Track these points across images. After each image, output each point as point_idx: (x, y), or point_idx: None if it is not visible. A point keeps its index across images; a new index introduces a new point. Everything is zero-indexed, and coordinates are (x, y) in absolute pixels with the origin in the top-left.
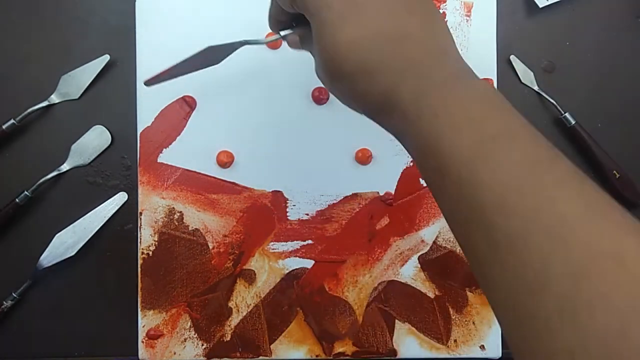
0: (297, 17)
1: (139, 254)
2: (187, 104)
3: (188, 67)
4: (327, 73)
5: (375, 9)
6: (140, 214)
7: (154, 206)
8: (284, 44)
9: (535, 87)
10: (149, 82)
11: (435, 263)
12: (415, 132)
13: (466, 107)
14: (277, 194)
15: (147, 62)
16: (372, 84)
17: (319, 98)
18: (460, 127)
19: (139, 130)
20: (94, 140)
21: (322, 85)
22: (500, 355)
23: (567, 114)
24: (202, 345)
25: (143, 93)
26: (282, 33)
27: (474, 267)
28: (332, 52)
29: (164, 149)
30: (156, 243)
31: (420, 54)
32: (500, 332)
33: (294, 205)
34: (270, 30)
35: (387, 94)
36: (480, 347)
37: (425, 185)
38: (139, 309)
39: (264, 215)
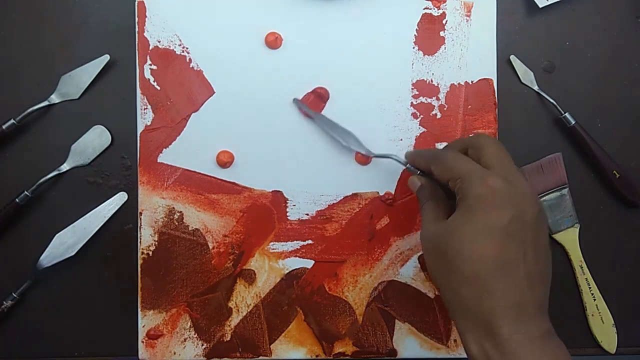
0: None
1: (139, 254)
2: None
3: (327, 126)
4: (443, 258)
5: (518, 243)
6: (140, 214)
7: (154, 206)
8: (284, 43)
9: (535, 87)
10: (296, 101)
11: None
12: None
13: None
14: (277, 194)
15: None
16: (480, 300)
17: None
18: None
19: (139, 130)
20: (94, 140)
21: (322, 86)
22: None
23: (567, 114)
24: (202, 345)
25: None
26: (419, 172)
27: None
28: (464, 250)
29: (164, 149)
30: (156, 243)
31: (532, 299)
32: None
33: (294, 205)
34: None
35: (488, 316)
36: None
37: None
38: (139, 309)
39: (264, 215)
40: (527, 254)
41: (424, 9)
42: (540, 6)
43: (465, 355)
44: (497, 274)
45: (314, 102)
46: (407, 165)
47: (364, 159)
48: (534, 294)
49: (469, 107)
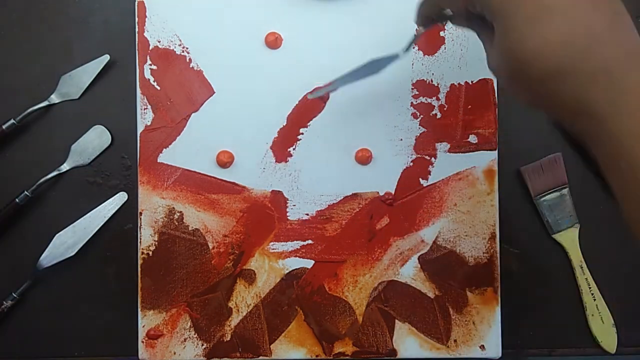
0: (445, 16)
1: (139, 254)
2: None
3: (349, 79)
4: (510, 75)
5: (563, 12)
6: (140, 214)
7: (154, 206)
8: (284, 43)
9: None
10: (312, 94)
11: (435, 263)
12: (607, 134)
13: None
14: (277, 194)
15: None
16: (562, 88)
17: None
18: None
19: (139, 130)
20: (94, 140)
21: (322, 86)
22: (500, 355)
23: None
24: (202, 345)
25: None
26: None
27: None
28: (519, 56)
29: (164, 149)
30: (156, 243)
31: (612, 56)
32: (500, 332)
33: (294, 205)
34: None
35: (578, 98)
36: (480, 347)
37: (425, 185)
38: (139, 309)
39: (264, 215)
40: (582, 17)
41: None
42: None
43: (465, 355)
44: (562, 53)
45: (314, 102)
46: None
47: (364, 159)
48: (621, 45)
49: (469, 107)
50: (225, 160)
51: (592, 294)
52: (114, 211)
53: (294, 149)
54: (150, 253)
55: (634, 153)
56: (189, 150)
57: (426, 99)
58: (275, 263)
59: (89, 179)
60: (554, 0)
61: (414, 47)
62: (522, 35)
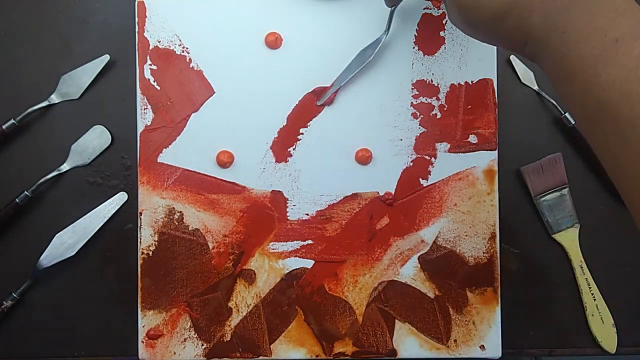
0: None
1: (139, 254)
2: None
3: (347, 75)
4: (466, 21)
5: None
6: (140, 214)
7: (154, 206)
8: (284, 43)
9: (535, 87)
10: (320, 101)
11: (435, 263)
12: (546, 51)
13: (591, 19)
14: (277, 194)
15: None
16: (509, 24)
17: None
18: (586, 37)
19: (139, 130)
20: (94, 140)
21: (323, 85)
22: (500, 355)
23: (567, 114)
24: (202, 345)
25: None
26: None
27: (604, 159)
28: (471, 5)
29: (164, 149)
30: (156, 243)
31: None
32: (500, 332)
33: (294, 205)
34: None
35: (520, 29)
36: (480, 347)
37: (425, 185)
38: (139, 309)
39: (264, 215)
40: None
41: (424, 9)
42: None
43: (465, 355)
44: None
45: (314, 102)
46: None
47: (364, 159)
48: None
49: (469, 107)
50: (225, 160)
51: (592, 294)
52: (114, 211)
53: (294, 149)
54: (150, 253)
55: (568, 61)
56: (189, 150)
57: (426, 99)
58: (275, 263)
59: (89, 179)
60: None
61: (388, 31)
62: None
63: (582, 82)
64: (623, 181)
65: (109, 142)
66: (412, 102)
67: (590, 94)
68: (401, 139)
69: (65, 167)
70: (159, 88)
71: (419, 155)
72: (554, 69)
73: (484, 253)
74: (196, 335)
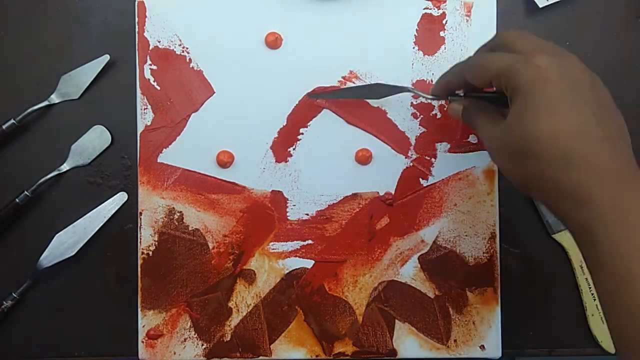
0: (468, 89)
1: (139, 254)
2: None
3: (351, 94)
4: (516, 153)
5: (586, 107)
6: (140, 214)
7: (154, 206)
8: (284, 43)
9: None
10: (311, 95)
11: (435, 263)
12: (607, 235)
13: None
14: (277, 194)
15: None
16: (568, 172)
17: None
18: None
19: (139, 130)
20: (94, 140)
21: (323, 85)
22: (500, 355)
23: None
24: (202, 345)
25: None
26: (451, 98)
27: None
28: (535, 134)
29: (164, 149)
30: (156, 243)
31: (620, 158)
32: (500, 332)
33: (294, 205)
34: None
35: (580, 187)
36: (480, 347)
37: (425, 185)
38: (139, 309)
39: (264, 215)
40: (598, 117)
41: (424, 9)
42: (540, 6)
43: (465, 355)
44: (576, 142)
45: (314, 102)
46: (447, 97)
47: (364, 159)
48: (620, 152)
49: None
50: (225, 160)
51: (592, 294)
52: (114, 211)
53: (294, 149)
54: (150, 253)
55: (632, 268)
56: (189, 150)
57: (426, 99)
58: (275, 263)
59: (89, 179)
60: (581, 95)
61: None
62: (541, 114)
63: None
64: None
65: (109, 142)
66: (412, 102)
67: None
68: (401, 139)
69: (65, 167)
70: (159, 88)
71: (419, 155)
72: (608, 258)
73: (484, 253)
74: (196, 335)
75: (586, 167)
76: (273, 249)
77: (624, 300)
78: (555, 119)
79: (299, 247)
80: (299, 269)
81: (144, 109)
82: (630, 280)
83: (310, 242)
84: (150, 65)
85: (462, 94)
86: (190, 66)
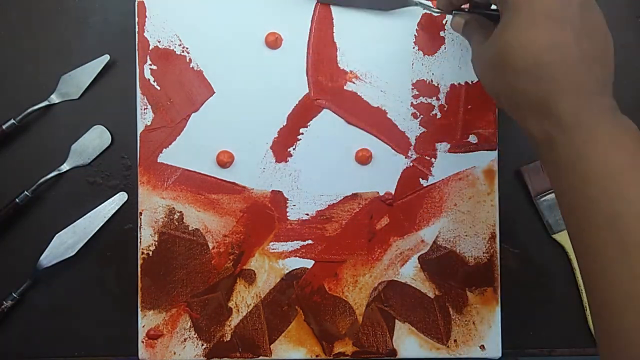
0: (474, 5)
1: (139, 254)
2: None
3: (360, 2)
4: (495, 63)
5: (568, 26)
6: (140, 214)
7: (154, 206)
8: (284, 43)
9: None
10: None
11: (435, 263)
12: (565, 143)
13: (619, 139)
14: (277, 194)
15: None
16: (537, 85)
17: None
18: (615, 151)
19: (139, 130)
20: (94, 140)
21: (323, 85)
22: (500, 355)
23: None
24: (202, 345)
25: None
26: (455, 12)
27: (590, 269)
28: (513, 46)
29: (164, 149)
30: (156, 243)
31: (590, 78)
32: (500, 332)
33: (294, 205)
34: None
35: (546, 98)
36: (480, 347)
37: (425, 185)
38: (139, 309)
39: (264, 215)
40: (579, 37)
41: (424, 9)
42: None
43: (465, 355)
44: (551, 57)
45: (314, 102)
46: (452, 11)
47: (364, 159)
48: (593, 73)
49: (469, 107)
50: (225, 160)
51: None
52: (114, 211)
53: (294, 149)
54: (150, 253)
55: (588, 170)
56: (189, 150)
57: (426, 99)
58: (275, 263)
59: (89, 179)
60: (567, 14)
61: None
62: (523, 29)
63: (599, 192)
64: (608, 294)
65: (109, 142)
66: (412, 102)
67: (604, 210)
68: (401, 139)
69: (65, 167)
70: (159, 88)
71: (419, 155)
72: (566, 165)
73: (484, 253)
74: (196, 335)
75: (555, 83)
76: (273, 249)
77: (578, 197)
78: (534, 32)
79: (299, 247)
80: (299, 269)
81: (144, 109)
82: (585, 178)
83: (310, 242)
84: (150, 65)
85: (467, 10)
86: (190, 66)
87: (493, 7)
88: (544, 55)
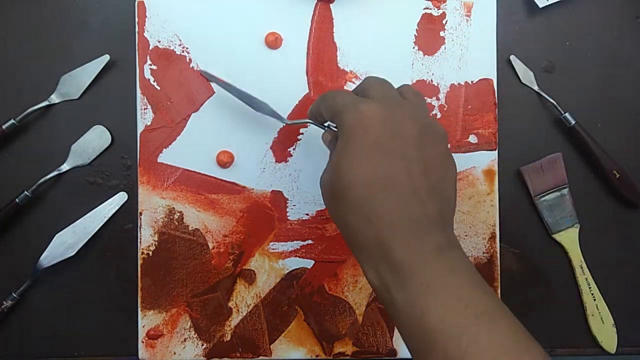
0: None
1: (139, 254)
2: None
3: (237, 94)
4: (330, 191)
5: (400, 160)
6: (140, 214)
7: (154, 206)
8: (284, 43)
9: (535, 87)
10: (204, 73)
11: None
12: (402, 290)
13: (456, 284)
14: (277, 194)
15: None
16: (367, 222)
17: None
18: (448, 302)
19: (139, 130)
20: (94, 140)
21: (322, 85)
22: None
23: (567, 114)
24: (202, 345)
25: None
26: (327, 127)
27: None
28: (343, 179)
29: (164, 149)
30: (156, 243)
31: (422, 214)
32: None
33: (294, 205)
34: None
35: (378, 237)
36: None
37: None
38: (139, 309)
39: (264, 215)
40: (411, 170)
41: (424, 9)
42: (540, 6)
43: None
44: (381, 193)
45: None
46: (326, 124)
47: None
48: (425, 209)
49: (469, 107)
50: (225, 160)
51: (592, 294)
52: (114, 211)
53: (294, 149)
54: (150, 253)
55: (427, 322)
56: (189, 150)
57: (426, 99)
58: (275, 263)
59: (89, 179)
60: (399, 147)
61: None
62: (351, 162)
63: (442, 351)
64: None
65: (109, 142)
66: None
67: (441, 356)
68: None
69: (65, 167)
70: (159, 88)
71: None
72: (407, 315)
73: (484, 253)
74: (196, 335)
75: (384, 220)
76: (273, 249)
77: (418, 343)
78: (364, 168)
79: (299, 247)
80: (299, 269)
81: (144, 109)
82: (422, 328)
83: (310, 242)
84: (150, 65)
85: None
86: (190, 66)
87: None
88: (372, 189)
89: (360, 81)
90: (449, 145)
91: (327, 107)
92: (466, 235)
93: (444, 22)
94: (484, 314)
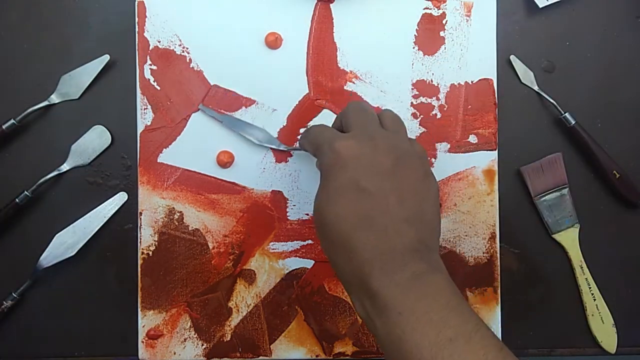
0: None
1: (139, 254)
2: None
3: (236, 126)
4: (317, 227)
5: (376, 194)
6: (140, 214)
7: (154, 206)
8: (284, 43)
9: (535, 87)
10: (203, 106)
11: None
12: (381, 319)
13: (427, 309)
14: (277, 194)
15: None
16: (348, 258)
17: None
18: (421, 329)
19: (139, 130)
20: (94, 140)
21: (322, 85)
22: None
23: (567, 114)
24: (202, 345)
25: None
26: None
27: None
28: (324, 217)
29: (164, 149)
30: (156, 243)
31: (400, 243)
32: (500, 332)
33: (294, 205)
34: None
35: (359, 274)
36: None
37: None
38: (139, 309)
39: (264, 215)
40: (387, 203)
41: (424, 9)
42: (540, 6)
43: None
44: (358, 229)
45: (313, 102)
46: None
47: None
48: (402, 239)
49: (469, 107)
50: (225, 160)
51: (592, 294)
52: (114, 211)
53: (294, 149)
54: (150, 253)
55: (404, 349)
56: (189, 150)
57: (426, 99)
58: (275, 263)
59: (89, 179)
60: (375, 182)
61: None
62: (329, 201)
63: None
64: None
65: (109, 142)
66: (412, 102)
67: None
68: None
69: (65, 167)
70: (159, 88)
71: None
72: (388, 344)
73: (484, 253)
74: (196, 335)
75: (364, 256)
76: (273, 249)
77: None
78: (340, 206)
79: (299, 247)
80: (299, 269)
81: (144, 109)
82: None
83: (310, 242)
84: (150, 65)
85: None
86: (190, 66)
87: None
88: (348, 226)
89: (345, 108)
90: (429, 163)
91: (309, 143)
92: (466, 235)
93: (444, 22)
94: (458, 337)
